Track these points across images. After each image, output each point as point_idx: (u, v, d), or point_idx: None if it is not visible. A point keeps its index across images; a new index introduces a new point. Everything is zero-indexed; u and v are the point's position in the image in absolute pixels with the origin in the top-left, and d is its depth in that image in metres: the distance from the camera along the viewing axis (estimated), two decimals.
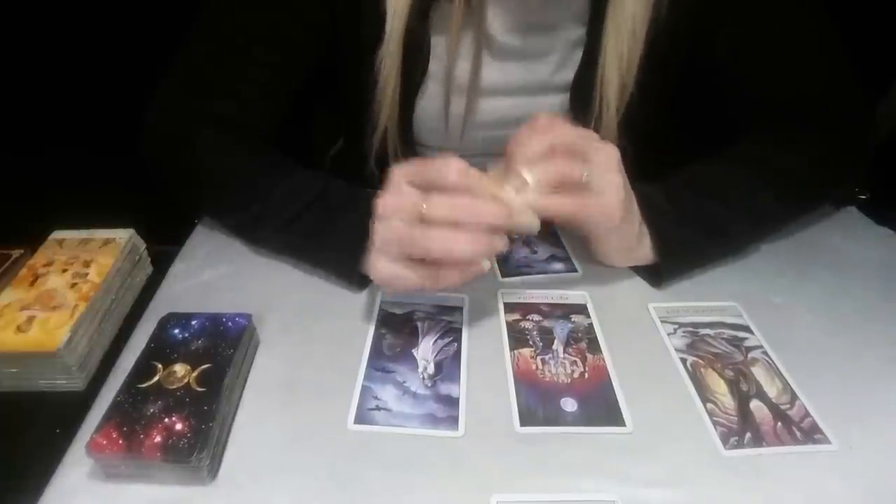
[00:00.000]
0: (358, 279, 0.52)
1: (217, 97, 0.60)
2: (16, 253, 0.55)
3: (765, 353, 0.48)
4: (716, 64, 0.64)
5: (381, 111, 0.61)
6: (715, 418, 0.42)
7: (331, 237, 0.53)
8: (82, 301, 0.49)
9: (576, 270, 0.57)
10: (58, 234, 0.57)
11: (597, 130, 0.62)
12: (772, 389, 0.44)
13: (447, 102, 0.64)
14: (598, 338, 0.49)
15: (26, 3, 0.95)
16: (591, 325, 0.50)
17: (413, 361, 0.47)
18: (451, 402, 0.44)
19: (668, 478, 0.38)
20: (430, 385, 0.45)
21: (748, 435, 0.41)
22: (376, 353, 0.48)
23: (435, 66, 0.62)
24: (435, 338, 0.49)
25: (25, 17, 0.96)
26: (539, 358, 0.47)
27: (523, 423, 0.42)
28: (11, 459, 0.42)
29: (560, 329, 0.50)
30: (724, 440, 0.41)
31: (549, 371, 0.46)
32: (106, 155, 0.63)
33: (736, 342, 0.49)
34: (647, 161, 0.71)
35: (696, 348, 0.48)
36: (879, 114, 0.83)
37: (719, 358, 0.47)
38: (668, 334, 0.49)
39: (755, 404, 0.43)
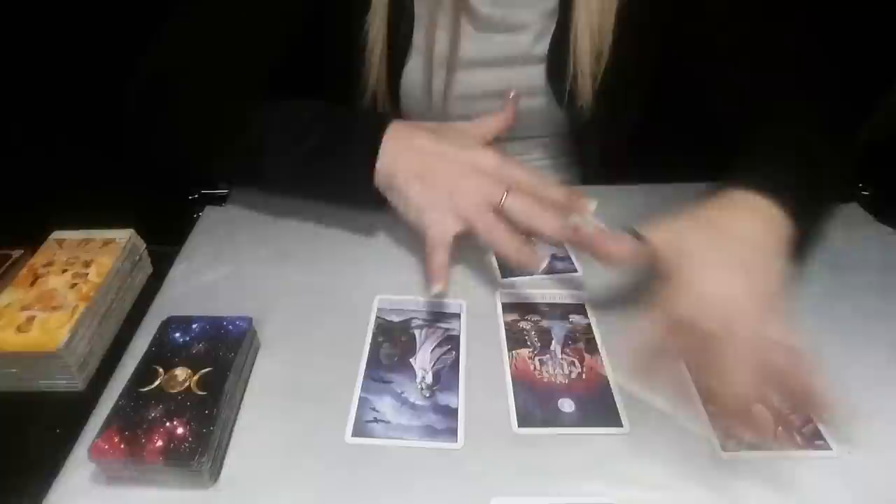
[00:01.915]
0: (372, 196, 0.53)
1: (204, 62, 0.60)
2: (16, 253, 0.55)
3: None
4: (698, 35, 0.64)
5: (369, 74, 0.62)
6: (715, 420, 0.42)
7: (341, 153, 0.53)
8: (82, 301, 0.49)
9: (575, 270, 0.57)
10: (58, 235, 0.56)
11: (572, 99, 0.64)
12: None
13: (429, 74, 0.64)
14: (596, 338, 0.49)
15: (26, 3, 0.94)
16: (589, 325, 0.50)
17: (411, 371, 0.47)
18: (450, 412, 0.43)
19: (666, 480, 0.39)
20: (428, 395, 0.45)
21: (748, 438, 0.41)
22: (374, 362, 0.47)
23: (419, 38, 0.63)
24: (433, 346, 0.49)
25: (25, 17, 0.96)
26: (537, 359, 0.47)
27: (521, 424, 0.42)
28: (11, 460, 0.43)
29: (558, 329, 0.50)
30: (723, 442, 0.41)
31: (547, 372, 0.46)
32: (106, 155, 0.63)
33: None
34: (629, 128, 0.71)
35: None
36: (879, 114, 0.83)
37: None
38: None
39: (757, 407, 0.43)
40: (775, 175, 0.47)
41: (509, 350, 0.48)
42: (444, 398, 0.44)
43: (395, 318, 0.51)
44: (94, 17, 0.94)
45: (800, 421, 0.42)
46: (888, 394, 0.45)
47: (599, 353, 0.48)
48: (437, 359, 0.48)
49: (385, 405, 0.44)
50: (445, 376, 0.46)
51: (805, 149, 0.52)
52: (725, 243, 0.42)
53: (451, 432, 0.42)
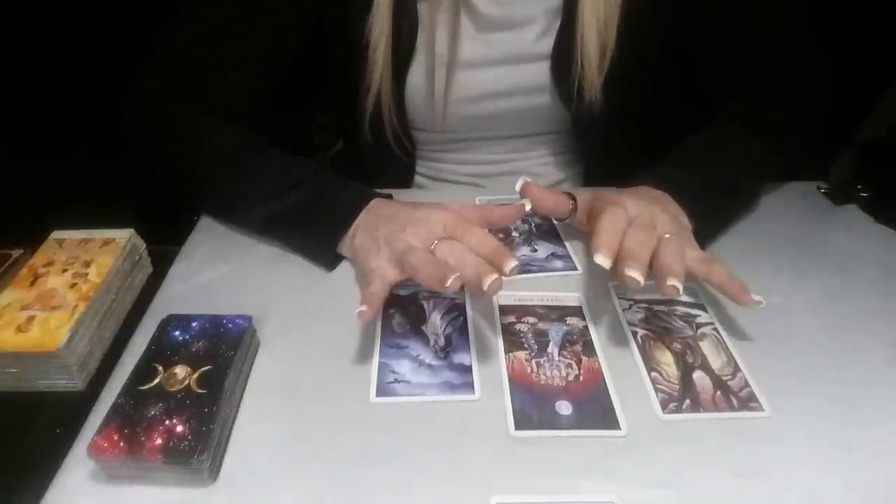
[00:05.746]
0: (332, 259, 0.56)
1: (201, 78, 0.61)
2: (16, 253, 0.56)
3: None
4: (693, 28, 0.67)
5: (372, 73, 0.62)
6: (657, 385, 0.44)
7: (318, 214, 0.55)
8: (82, 301, 0.49)
9: (576, 269, 0.57)
10: (58, 234, 0.57)
11: (579, 94, 0.64)
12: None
13: (431, 75, 0.65)
14: (593, 340, 0.49)
15: (26, 4, 0.95)
16: (585, 327, 0.51)
17: (424, 337, 0.49)
18: (465, 369, 0.46)
19: (666, 479, 0.39)
20: (443, 357, 0.47)
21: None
22: (388, 332, 0.50)
23: (423, 40, 0.63)
24: (441, 313, 0.52)
25: (26, 17, 0.96)
26: (534, 361, 0.47)
27: (518, 426, 0.42)
28: (12, 460, 0.43)
29: (555, 331, 0.50)
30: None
31: (544, 374, 0.46)
32: (106, 155, 0.64)
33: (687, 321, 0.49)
34: (632, 124, 0.72)
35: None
36: (880, 114, 0.83)
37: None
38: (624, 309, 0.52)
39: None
40: (675, 174, 0.56)
41: (506, 352, 0.48)
42: (457, 357, 0.48)
43: (403, 292, 0.54)
44: (94, 17, 0.94)
45: (737, 386, 0.45)
46: (888, 393, 0.45)
47: (597, 356, 0.48)
48: (447, 324, 0.51)
49: (403, 368, 0.47)
50: (456, 339, 0.49)
51: (730, 148, 0.60)
52: (630, 194, 0.53)
53: (468, 385, 0.45)
